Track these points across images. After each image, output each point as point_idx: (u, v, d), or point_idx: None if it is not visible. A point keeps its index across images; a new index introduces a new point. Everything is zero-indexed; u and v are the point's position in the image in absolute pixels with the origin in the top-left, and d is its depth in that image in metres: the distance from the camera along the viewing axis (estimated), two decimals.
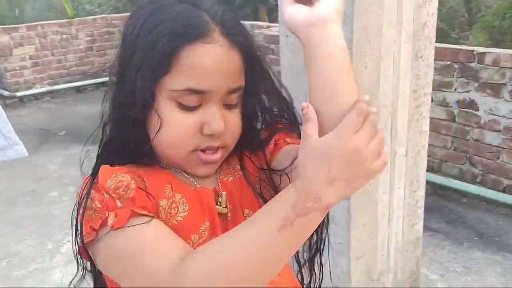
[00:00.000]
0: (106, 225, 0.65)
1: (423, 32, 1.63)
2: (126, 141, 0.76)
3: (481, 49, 3.02)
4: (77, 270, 0.80)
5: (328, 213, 0.65)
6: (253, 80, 0.77)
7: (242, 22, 0.77)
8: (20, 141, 1.78)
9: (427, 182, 3.18)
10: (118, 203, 0.67)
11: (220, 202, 0.76)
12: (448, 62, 3.06)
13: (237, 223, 0.69)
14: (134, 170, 0.74)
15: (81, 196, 0.71)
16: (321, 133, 0.60)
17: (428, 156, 3.29)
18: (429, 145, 3.26)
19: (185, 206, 0.74)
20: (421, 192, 1.88)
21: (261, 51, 0.78)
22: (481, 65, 2.96)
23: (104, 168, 0.73)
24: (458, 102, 3.07)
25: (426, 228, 2.83)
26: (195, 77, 0.70)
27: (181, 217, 0.72)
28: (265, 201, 0.71)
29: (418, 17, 1.58)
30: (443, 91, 3.13)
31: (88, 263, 0.78)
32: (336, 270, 1.74)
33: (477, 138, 3.05)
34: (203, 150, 0.75)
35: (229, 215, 0.77)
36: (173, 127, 0.72)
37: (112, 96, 0.76)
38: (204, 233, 0.73)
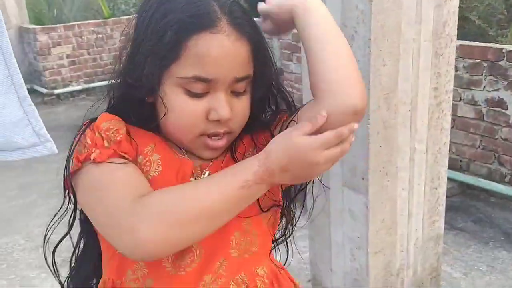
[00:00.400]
0: (90, 158, 0.73)
1: (444, 30, 1.64)
2: (129, 115, 0.80)
3: (511, 47, 2.98)
4: (62, 203, 0.87)
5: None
6: (261, 69, 0.80)
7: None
8: (51, 138, 1.86)
9: (455, 181, 3.18)
10: (106, 143, 0.74)
11: (199, 177, 0.81)
12: (477, 61, 3.03)
13: None
14: (129, 126, 0.79)
15: (77, 134, 0.80)
16: (317, 99, 0.73)
17: (457, 155, 3.28)
18: (457, 144, 3.26)
19: (158, 167, 0.78)
20: (442, 190, 1.89)
21: (266, 42, 0.82)
22: (510, 63, 2.92)
23: (105, 114, 0.80)
24: (486, 100, 3.04)
25: (451, 227, 2.82)
26: (202, 66, 0.72)
27: (151, 175, 0.77)
28: None
29: (438, 15, 1.60)
30: (472, 89, 3.10)
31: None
32: (354, 263, 1.78)
33: (505, 137, 3.01)
34: (209, 136, 0.78)
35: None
36: (180, 113, 0.75)
37: (121, 75, 0.80)
38: None
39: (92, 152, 0.73)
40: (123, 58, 0.81)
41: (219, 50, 0.72)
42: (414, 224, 1.83)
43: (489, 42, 3.09)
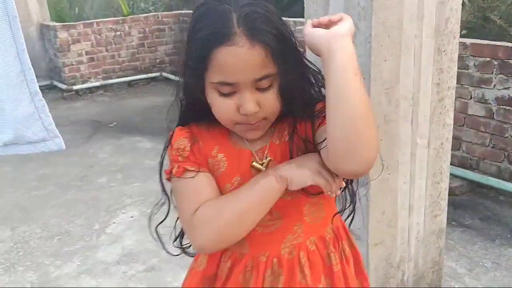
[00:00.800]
0: (172, 173, 0.98)
1: (446, 27, 1.68)
2: (193, 111, 1.02)
3: None
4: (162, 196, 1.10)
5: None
6: (284, 66, 0.90)
7: (283, 18, 0.92)
8: (59, 134, 1.93)
9: (465, 179, 3.19)
10: (180, 158, 0.99)
11: (261, 162, 0.99)
12: (487, 59, 3.03)
13: None
14: (196, 132, 1.02)
15: (164, 148, 1.05)
16: (330, 133, 0.83)
17: (467, 153, 3.29)
18: (467, 142, 3.27)
19: (224, 163, 1.00)
20: (445, 184, 1.93)
21: (290, 37, 0.92)
22: None
23: (176, 132, 1.03)
24: (497, 99, 3.04)
25: (459, 224, 2.84)
26: (224, 73, 0.89)
27: (221, 171, 1.00)
28: None
29: (441, 12, 1.64)
30: (482, 87, 3.11)
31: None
32: None
33: None
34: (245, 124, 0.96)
35: (266, 164, 1.00)
36: (217, 109, 0.94)
37: (180, 81, 1.00)
38: (234, 183, 0.99)
39: (173, 168, 0.99)
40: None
41: (234, 59, 0.87)
42: (415, 217, 1.86)
43: (510, 42, 3.08)
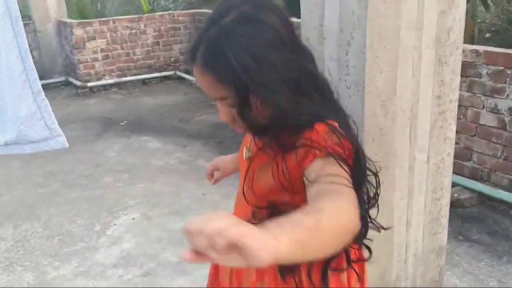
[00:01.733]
0: None
1: (449, 38, 1.60)
2: None
3: None
4: None
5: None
6: (242, 90, 0.92)
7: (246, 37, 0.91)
8: (62, 133, 1.91)
9: (474, 191, 3.08)
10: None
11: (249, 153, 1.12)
12: (501, 68, 2.92)
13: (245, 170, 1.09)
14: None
15: None
16: None
17: (478, 164, 3.18)
18: (478, 153, 3.16)
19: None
20: (446, 200, 1.84)
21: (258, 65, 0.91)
22: None
23: None
24: (510, 109, 2.93)
25: (465, 238, 2.75)
26: None
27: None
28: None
29: (443, 22, 1.56)
30: (495, 97, 3.00)
31: None
32: None
33: None
34: None
35: (247, 155, 1.13)
36: None
37: None
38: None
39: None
40: None
41: (199, 81, 0.97)
42: (413, 234, 1.79)
43: None
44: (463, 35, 1.64)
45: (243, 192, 1.07)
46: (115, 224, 3.10)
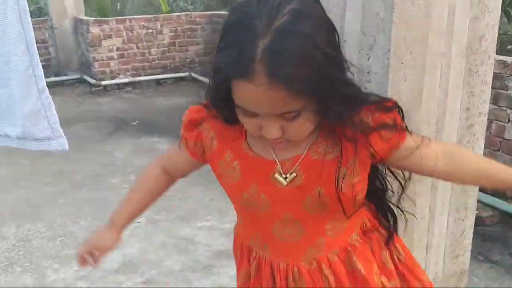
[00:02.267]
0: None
1: (480, 45, 1.47)
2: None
3: None
4: None
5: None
6: (315, 94, 0.82)
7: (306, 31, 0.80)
8: (64, 135, 1.84)
9: (497, 209, 2.92)
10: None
11: (285, 175, 0.96)
12: None
13: (304, 191, 0.96)
14: (212, 125, 1.02)
15: None
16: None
17: None
18: None
19: (238, 172, 0.99)
20: (470, 222, 1.71)
21: (330, 61, 0.82)
22: None
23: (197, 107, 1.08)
24: None
25: (486, 259, 2.59)
26: (242, 103, 0.84)
27: (236, 179, 0.99)
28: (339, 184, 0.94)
29: (474, 28, 1.43)
30: None
31: None
32: None
33: None
34: None
35: (296, 184, 0.96)
36: (241, 122, 0.90)
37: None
38: (251, 192, 0.98)
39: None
40: None
41: (252, 97, 0.81)
42: (433, 257, 1.66)
43: None
44: (495, 43, 1.51)
45: (344, 210, 0.98)
46: None
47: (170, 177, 1.22)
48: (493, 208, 2.95)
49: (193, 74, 6.93)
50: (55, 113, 1.94)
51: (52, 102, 1.93)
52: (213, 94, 0.93)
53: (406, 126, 1.03)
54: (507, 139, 2.96)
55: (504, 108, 2.93)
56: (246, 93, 0.81)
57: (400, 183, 1.15)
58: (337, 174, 0.93)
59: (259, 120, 0.86)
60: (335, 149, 0.95)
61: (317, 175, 0.95)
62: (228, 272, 2.46)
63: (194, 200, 3.33)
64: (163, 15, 6.92)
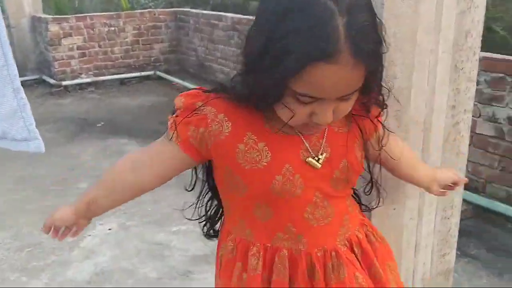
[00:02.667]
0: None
1: (466, 41, 1.44)
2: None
3: None
4: None
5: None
6: (372, 77, 0.84)
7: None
8: (40, 137, 1.73)
9: (470, 203, 2.95)
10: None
11: (317, 157, 0.94)
12: (501, 75, 2.81)
13: (332, 166, 0.95)
14: (224, 107, 0.92)
15: None
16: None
17: (473, 175, 3.05)
18: (474, 163, 3.03)
19: (267, 153, 0.92)
20: (455, 219, 1.70)
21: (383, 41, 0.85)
22: None
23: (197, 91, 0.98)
24: (509, 118, 2.82)
25: (463, 254, 2.61)
26: (313, 89, 0.80)
27: (265, 162, 0.91)
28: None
29: (461, 24, 1.41)
30: (493, 105, 2.88)
31: None
32: None
33: None
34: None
35: (322, 161, 0.94)
36: (290, 113, 0.84)
37: (245, 73, 0.87)
38: (286, 174, 0.92)
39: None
40: (244, 60, 0.87)
41: (333, 80, 0.77)
42: (422, 257, 1.63)
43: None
44: (480, 39, 1.49)
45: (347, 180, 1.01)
46: (89, 235, 2.87)
47: (137, 179, 1.03)
48: (466, 202, 2.98)
49: (158, 73, 6.78)
50: (30, 114, 1.84)
51: (27, 103, 1.81)
52: (265, 91, 0.83)
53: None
54: (478, 133, 3.00)
55: (475, 103, 2.96)
56: (325, 76, 0.77)
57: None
58: (356, 144, 0.99)
59: (313, 107, 0.83)
60: (347, 123, 0.99)
61: (342, 147, 0.96)
62: (207, 278, 2.38)
63: (168, 203, 3.22)
64: (125, 12, 6.73)
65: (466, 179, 1.31)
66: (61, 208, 1.09)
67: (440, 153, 1.52)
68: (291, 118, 0.86)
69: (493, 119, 2.90)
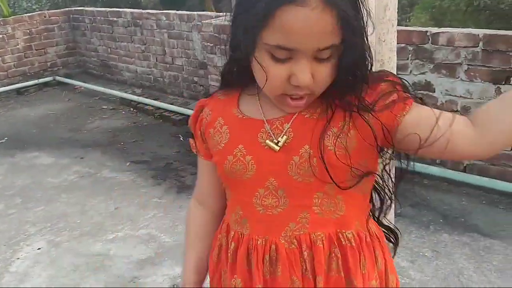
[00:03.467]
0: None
1: (385, 15, 1.54)
2: (234, 73, 0.95)
3: (435, 30, 3.00)
4: None
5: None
6: (350, 37, 0.80)
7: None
8: None
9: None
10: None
11: (277, 140, 0.90)
12: (402, 45, 3.02)
13: (290, 151, 0.88)
14: (213, 103, 1.00)
15: None
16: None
17: None
18: None
19: (227, 134, 0.95)
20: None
21: (358, 8, 0.82)
22: (435, 46, 2.94)
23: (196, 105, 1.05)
24: (414, 84, 3.05)
25: None
26: (285, 36, 0.78)
27: (223, 143, 0.95)
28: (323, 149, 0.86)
29: None
30: (399, 74, 3.07)
31: None
32: None
33: None
34: (290, 95, 0.85)
35: (282, 144, 0.89)
36: (265, 74, 0.83)
37: (229, 43, 0.91)
38: (237, 155, 0.92)
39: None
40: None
41: (302, 23, 0.76)
42: None
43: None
44: (396, 11, 1.60)
45: (327, 169, 0.85)
46: (18, 258, 2.68)
47: (208, 211, 1.10)
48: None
49: (58, 78, 6.40)
50: None
51: None
52: (238, 44, 0.86)
53: (415, 96, 0.93)
54: None
55: None
56: (295, 20, 0.76)
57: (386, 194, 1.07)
58: (323, 130, 0.86)
59: (289, 67, 0.81)
60: (324, 110, 0.88)
61: (307, 132, 0.88)
62: (156, 280, 2.34)
63: (97, 211, 3.09)
64: (12, 17, 6.24)
65: None
66: None
67: None
68: (266, 81, 0.83)
69: None
